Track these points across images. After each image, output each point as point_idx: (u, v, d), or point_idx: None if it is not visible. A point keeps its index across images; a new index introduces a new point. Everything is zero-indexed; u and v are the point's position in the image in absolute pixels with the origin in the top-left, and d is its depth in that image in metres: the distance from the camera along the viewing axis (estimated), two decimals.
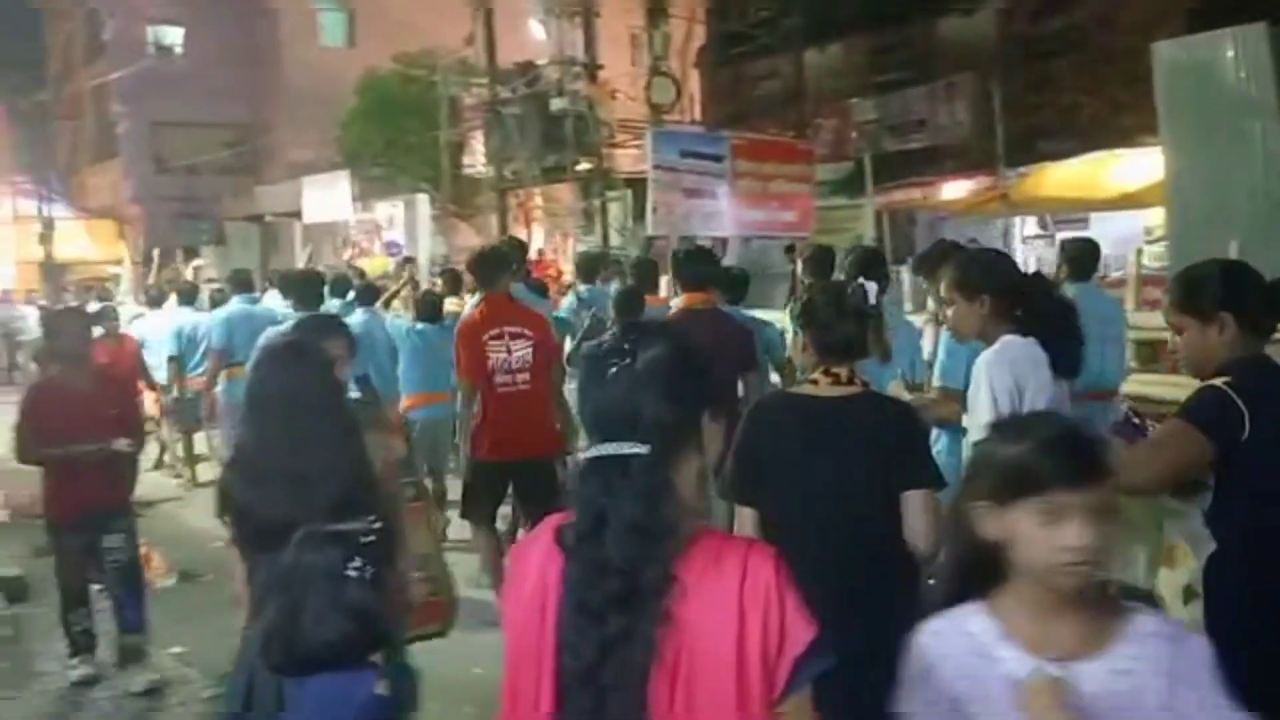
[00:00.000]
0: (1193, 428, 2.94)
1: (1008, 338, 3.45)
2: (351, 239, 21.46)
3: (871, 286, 3.18)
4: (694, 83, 19.89)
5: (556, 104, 16.51)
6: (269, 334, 7.25)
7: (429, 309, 8.59)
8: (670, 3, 16.43)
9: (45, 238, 28.62)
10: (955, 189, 15.83)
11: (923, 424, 3.35)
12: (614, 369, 1.72)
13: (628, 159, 18.03)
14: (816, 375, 3.07)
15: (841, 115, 18.39)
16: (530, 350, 6.01)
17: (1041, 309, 3.53)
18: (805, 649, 1.65)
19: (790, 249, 14.18)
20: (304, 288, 7.86)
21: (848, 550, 2.88)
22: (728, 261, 16.52)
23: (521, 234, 21.81)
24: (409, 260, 16.99)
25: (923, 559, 2.92)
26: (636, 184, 16.59)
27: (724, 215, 14.99)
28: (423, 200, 20.78)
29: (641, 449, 1.67)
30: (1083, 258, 6.54)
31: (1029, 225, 16.56)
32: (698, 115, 19.24)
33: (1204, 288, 3.07)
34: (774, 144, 15.92)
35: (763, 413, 3.15)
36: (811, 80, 18.27)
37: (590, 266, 9.59)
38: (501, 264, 6.45)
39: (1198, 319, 3.04)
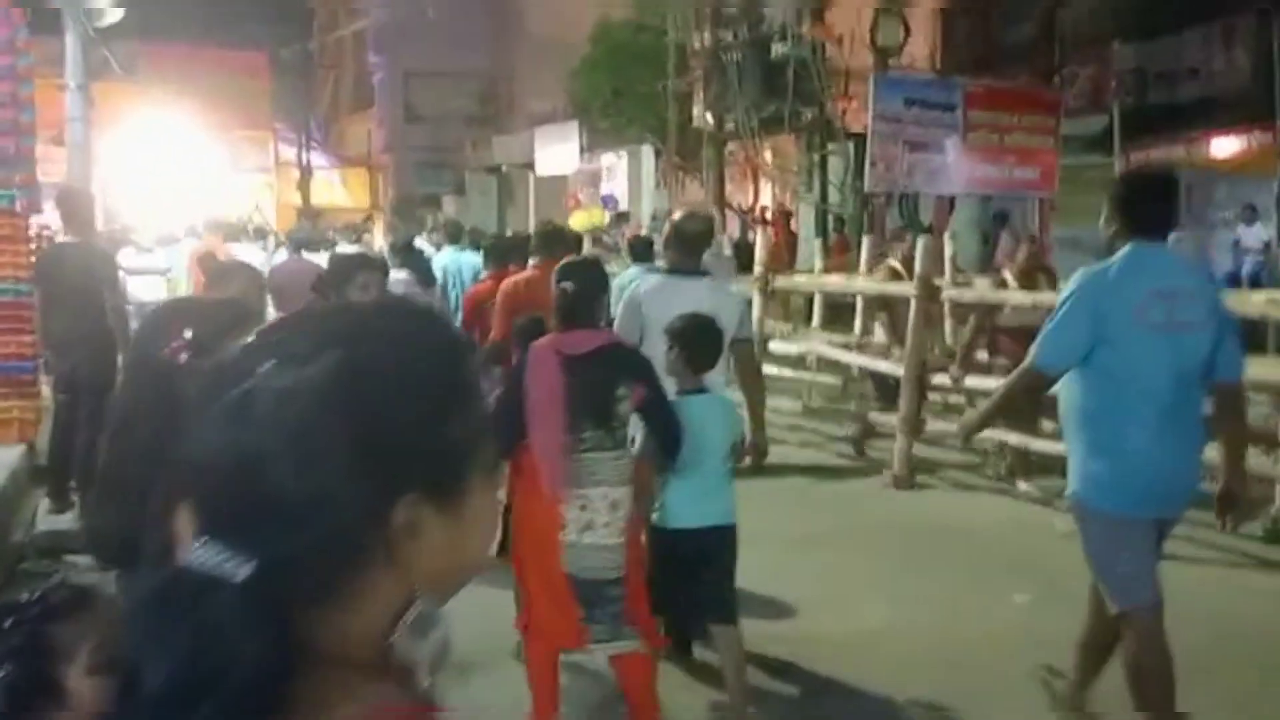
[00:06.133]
0: None
1: None
2: (570, 191, 21.23)
3: None
4: (927, 24, 18.36)
5: (778, 49, 15.52)
6: None
7: None
8: None
9: (303, 184, 29.95)
10: (1225, 145, 13.87)
11: None
12: None
13: (856, 111, 16.85)
14: None
15: (1100, 62, 16.50)
16: None
17: None
18: None
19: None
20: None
21: None
22: (956, 223, 15.26)
23: (748, 189, 21.03)
24: (623, 215, 16.51)
25: None
26: (861, 138, 15.45)
27: (952, 171, 13.73)
28: (646, 152, 20.26)
29: None
30: None
31: None
32: (938, 64, 17.75)
33: None
34: (1014, 93, 14.43)
35: None
36: (1067, 22, 16.48)
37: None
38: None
39: None
